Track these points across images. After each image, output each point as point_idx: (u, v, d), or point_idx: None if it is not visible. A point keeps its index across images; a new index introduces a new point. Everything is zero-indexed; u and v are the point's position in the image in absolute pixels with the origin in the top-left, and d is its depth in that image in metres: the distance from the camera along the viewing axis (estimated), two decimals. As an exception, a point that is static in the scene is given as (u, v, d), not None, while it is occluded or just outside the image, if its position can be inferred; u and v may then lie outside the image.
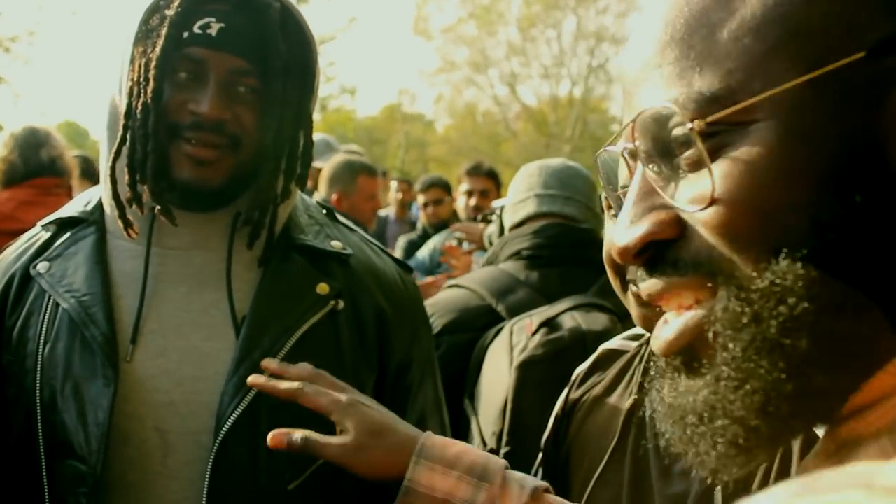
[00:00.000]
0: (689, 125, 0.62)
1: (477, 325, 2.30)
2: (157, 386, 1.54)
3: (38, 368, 1.55)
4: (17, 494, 1.58)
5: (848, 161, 0.58)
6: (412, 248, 5.90)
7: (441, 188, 6.75)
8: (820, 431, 0.66)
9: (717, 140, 0.62)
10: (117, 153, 1.53)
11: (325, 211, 1.79)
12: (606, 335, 1.97)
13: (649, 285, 0.68)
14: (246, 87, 1.54)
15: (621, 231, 0.68)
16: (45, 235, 1.68)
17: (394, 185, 8.10)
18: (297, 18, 1.57)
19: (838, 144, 0.59)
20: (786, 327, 0.59)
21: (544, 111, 34.05)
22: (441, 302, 2.38)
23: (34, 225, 1.74)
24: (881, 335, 0.59)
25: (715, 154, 0.62)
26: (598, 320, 2.09)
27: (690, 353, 0.66)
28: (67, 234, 1.66)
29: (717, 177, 0.62)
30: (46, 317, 1.58)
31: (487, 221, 4.25)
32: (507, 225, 2.59)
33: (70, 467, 1.51)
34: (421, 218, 6.76)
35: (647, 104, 0.66)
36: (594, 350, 1.73)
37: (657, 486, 1.40)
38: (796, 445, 1.26)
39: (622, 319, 2.13)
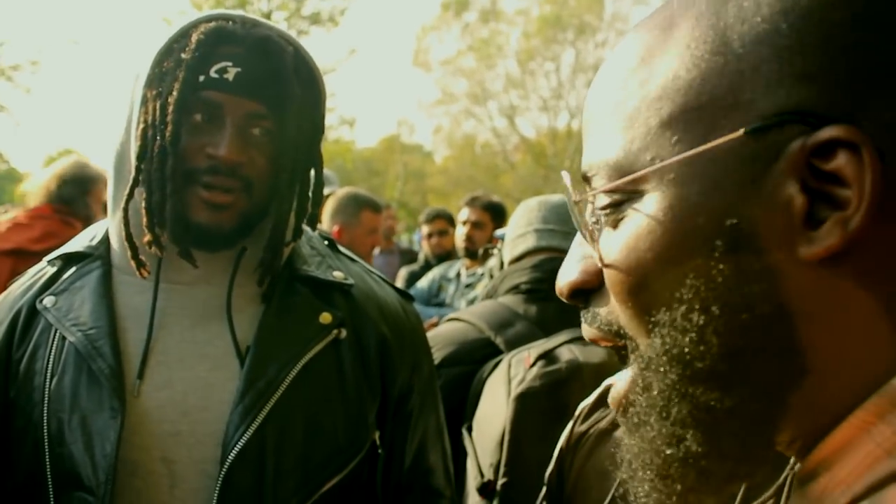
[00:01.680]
0: (586, 194, 0.68)
1: (475, 357, 2.31)
2: (164, 417, 1.55)
3: (46, 401, 1.56)
4: None
5: (717, 239, 0.61)
6: (413, 279, 5.91)
7: (445, 220, 6.76)
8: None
9: (622, 207, 0.66)
10: (129, 195, 1.54)
11: (326, 242, 1.81)
12: (603, 367, 1.99)
13: (584, 328, 0.73)
14: (260, 130, 1.55)
15: (561, 272, 0.73)
16: (52, 270, 1.69)
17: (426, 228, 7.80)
18: (309, 61, 1.60)
19: (710, 222, 0.61)
20: (665, 398, 0.63)
21: (543, 143, 34.12)
22: (440, 334, 2.39)
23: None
24: (751, 402, 0.61)
25: (620, 218, 0.66)
26: (596, 353, 2.09)
27: (626, 412, 0.70)
28: (73, 269, 1.67)
29: (614, 242, 0.66)
30: (53, 350, 1.59)
31: (489, 255, 4.27)
32: (506, 259, 2.61)
33: (78, 499, 1.51)
34: (424, 248, 6.75)
35: (584, 159, 0.70)
36: (591, 382, 1.74)
37: None
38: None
39: (619, 353, 2.13)
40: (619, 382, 0.71)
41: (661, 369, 0.63)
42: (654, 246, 0.63)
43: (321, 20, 28.45)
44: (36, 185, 3.78)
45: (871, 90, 0.58)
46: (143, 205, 1.52)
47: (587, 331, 0.72)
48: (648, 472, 0.66)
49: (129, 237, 1.56)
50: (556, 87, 34.45)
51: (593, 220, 0.70)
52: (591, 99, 0.72)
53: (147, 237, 1.53)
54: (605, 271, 0.67)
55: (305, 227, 1.76)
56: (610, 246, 0.66)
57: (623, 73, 0.68)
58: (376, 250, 7.72)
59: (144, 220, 1.52)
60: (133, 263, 1.57)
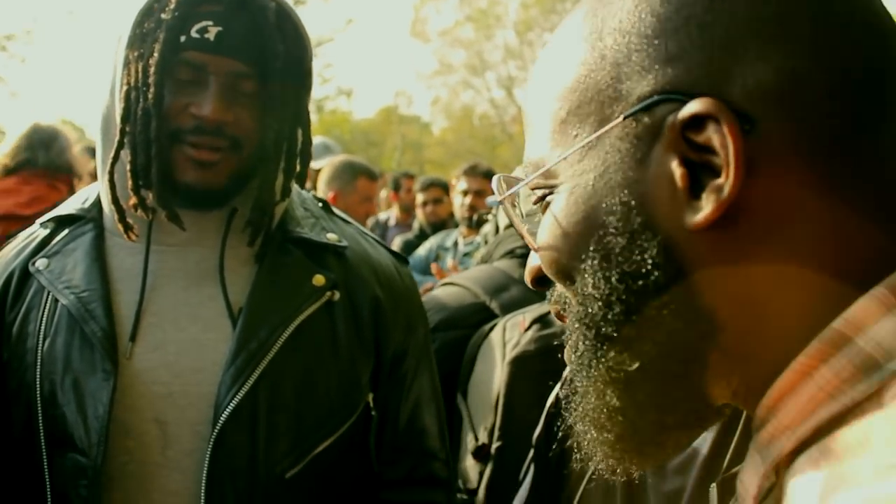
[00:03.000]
0: (508, 192, 0.76)
1: (470, 321, 2.32)
2: (156, 378, 1.55)
3: (38, 363, 1.57)
4: (19, 487, 1.59)
5: (614, 218, 0.66)
6: (409, 248, 5.91)
7: (440, 188, 6.78)
8: None
9: (545, 200, 0.73)
10: (115, 157, 1.53)
11: (320, 204, 1.80)
12: (597, 331, 1.99)
13: (550, 307, 0.81)
14: (245, 89, 1.54)
15: (529, 259, 0.82)
16: (44, 233, 1.69)
17: (391, 183, 7.80)
18: (293, 17, 1.58)
19: (609, 204, 0.66)
20: (585, 358, 0.70)
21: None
22: (435, 298, 2.39)
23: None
24: (660, 360, 0.67)
25: (545, 209, 0.73)
26: (590, 317, 2.11)
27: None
28: (66, 231, 1.67)
29: (540, 228, 0.73)
30: (46, 312, 1.59)
31: (484, 221, 4.27)
32: (501, 224, 2.60)
33: (71, 460, 1.52)
34: (419, 217, 6.78)
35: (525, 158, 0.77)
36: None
37: (652, 482, 1.41)
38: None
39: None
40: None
41: (581, 334, 0.70)
42: (564, 227, 0.69)
43: (318, -10, 28.32)
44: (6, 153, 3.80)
45: (733, 59, 0.62)
46: (128, 167, 1.52)
47: (551, 307, 0.81)
48: (586, 425, 0.72)
49: (115, 200, 1.56)
50: (554, 57, 34.40)
51: (528, 212, 0.79)
52: (525, 102, 0.78)
53: (132, 200, 1.53)
54: (538, 253, 0.74)
55: (300, 190, 1.76)
56: (538, 232, 0.73)
57: (538, 77, 0.75)
58: (392, 220, 7.75)
59: (129, 182, 1.52)
60: (120, 227, 1.56)
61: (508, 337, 2.10)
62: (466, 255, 5.04)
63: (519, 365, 2.02)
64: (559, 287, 0.76)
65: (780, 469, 0.62)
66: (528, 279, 0.81)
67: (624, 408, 0.68)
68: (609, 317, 0.67)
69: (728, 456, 1.36)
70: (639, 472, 0.75)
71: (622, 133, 0.65)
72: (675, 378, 0.67)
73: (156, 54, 1.47)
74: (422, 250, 5.47)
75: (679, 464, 1.37)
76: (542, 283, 0.79)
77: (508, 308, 2.29)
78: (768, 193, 0.61)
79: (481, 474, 2.07)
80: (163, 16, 1.48)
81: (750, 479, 0.65)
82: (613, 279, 0.66)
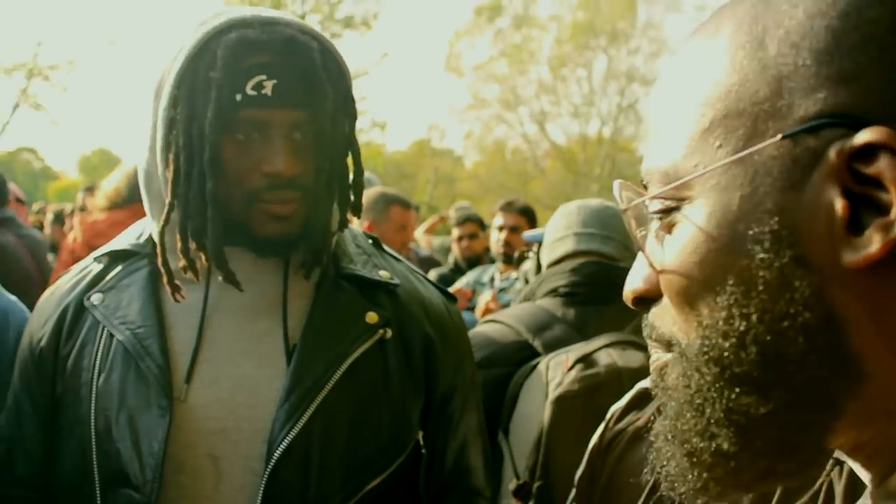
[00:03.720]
0: (630, 202, 0.69)
1: (513, 359, 2.30)
2: (211, 414, 1.55)
3: (93, 398, 1.57)
4: None
5: (761, 244, 0.60)
6: (444, 282, 5.89)
7: (476, 223, 6.76)
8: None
9: (672, 212, 0.66)
10: (166, 221, 1.53)
11: (371, 241, 1.80)
12: (642, 372, 1.98)
13: (649, 329, 0.74)
14: (303, 135, 1.54)
15: (628, 279, 0.73)
16: (98, 267, 1.70)
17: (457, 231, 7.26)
18: (335, 54, 1.57)
19: (753, 229, 0.61)
20: (703, 396, 0.64)
21: (573, 150, 34.08)
22: (478, 336, 2.39)
23: None
24: (794, 408, 0.61)
25: (673, 225, 0.66)
26: (635, 358, 2.09)
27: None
28: (120, 267, 1.68)
29: (667, 248, 0.67)
30: (101, 347, 1.60)
31: (524, 258, 4.28)
32: (544, 262, 2.60)
33: (124, 496, 1.53)
34: (454, 251, 6.76)
35: (642, 169, 0.71)
36: (630, 387, 1.74)
37: None
38: (839, 487, 1.27)
39: (658, 357, 2.13)
40: (654, 363, 0.73)
41: (700, 369, 0.64)
42: (699, 251, 0.63)
43: (354, 24, 28.53)
44: (106, 192, 3.79)
45: None
46: (178, 231, 1.51)
47: (648, 338, 0.74)
48: (678, 454, 0.67)
49: (164, 263, 1.55)
50: (587, 93, 34.46)
51: (644, 227, 0.71)
52: (649, 106, 0.72)
53: (181, 262, 1.53)
54: (660, 276, 0.67)
55: (351, 227, 1.76)
56: (663, 250, 0.67)
57: (674, 81, 0.69)
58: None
59: (179, 244, 1.52)
60: (169, 289, 1.56)
61: (551, 376, 2.09)
62: (502, 290, 5.03)
63: (562, 404, 2.01)
64: (669, 311, 0.69)
65: None
66: (627, 297, 0.74)
67: (736, 453, 0.63)
68: (741, 356, 0.61)
69: (775, 498, 1.35)
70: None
71: (777, 153, 0.60)
72: (803, 427, 0.62)
73: (209, 114, 1.45)
74: (459, 284, 5.47)
75: None
76: (640, 304, 0.73)
77: (551, 347, 2.27)
78: None
79: (522, 513, 2.06)
80: (211, 74, 1.46)
81: None
82: (753, 317, 0.60)
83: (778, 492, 1.36)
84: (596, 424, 1.70)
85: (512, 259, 5.19)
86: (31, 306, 2.19)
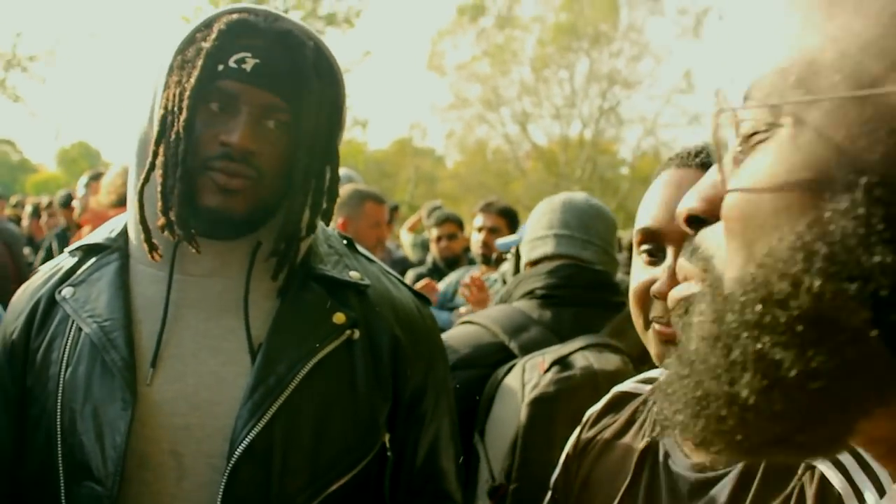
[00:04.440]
0: (721, 113, 0.63)
1: (489, 361, 2.31)
2: (174, 410, 1.56)
3: (60, 391, 1.58)
4: None
5: (852, 192, 0.54)
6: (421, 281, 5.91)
7: (455, 223, 6.78)
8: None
9: (766, 133, 0.61)
10: (146, 179, 1.55)
11: (345, 241, 1.81)
12: (618, 375, 1.98)
13: (680, 262, 0.71)
14: (276, 122, 1.56)
15: (685, 197, 0.69)
16: (71, 261, 1.71)
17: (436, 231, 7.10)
18: (329, 57, 1.60)
19: (851, 172, 0.54)
20: (731, 335, 0.60)
21: (554, 151, 34.19)
22: (454, 338, 2.38)
23: None
24: (835, 380, 0.56)
25: (758, 146, 0.61)
26: (610, 360, 2.10)
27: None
28: (92, 260, 1.69)
29: (744, 167, 0.62)
30: (69, 341, 1.61)
31: (503, 260, 4.29)
32: (524, 257, 2.60)
33: (87, 489, 1.53)
34: (433, 251, 6.77)
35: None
36: (606, 389, 1.75)
37: None
38: (810, 490, 1.27)
39: (633, 360, 2.15)
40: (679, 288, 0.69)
41: (741, 307, 0.59)
42: (780, 182, 0.58)
43: (337, 21, 28.58)
44: (107, 187, 3.77)
45: None
46: (159, 188, 1.53)
47: (683, 265, 0.70)
48: (689, 397, 0.64)
49: (142, 220, 1.57)
50: (569, 95, 34.57)
51: (735, 142, 0.64)
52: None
53: (160, 220, 1.54)
54: (727, 196, 0.62)
55: (325, 227, 1.77)
56: (741, 171, 0.62)
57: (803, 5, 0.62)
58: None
59: (159, 203, 1.53)
60: (145, 246, 1.58)
61: (528, 378, 2.09)
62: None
63: (538, 406, 2.02)
64: (718, 238, 0.65)
65: None
66: (682, 216, 0.69)
67: (753, 406, 0.58)
68: (791, 304, 0.56)
69: (754, 486, 1.35)
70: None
71: (867, 102, 0.55)
72: (838, 403, 0.57)
73: (192, 80, 1.49)
74: (441, 285, 5.47)
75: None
76: (693, 223, 0.68)
77: (527, 349, 2.28)
78: None
79: (497, 515, 2.07)
80: (203, 44, 1.51)
81: None
82: (819, 266, 0.54)
83: (752, 491, 1.36)
84: (572, 427, 1.71)
85: (490, 260, 5.21)
86: (5, 300, 2.19)
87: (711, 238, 0.66)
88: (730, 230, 0.62)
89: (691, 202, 0.68)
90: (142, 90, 1.64)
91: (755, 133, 0.61)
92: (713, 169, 0.67)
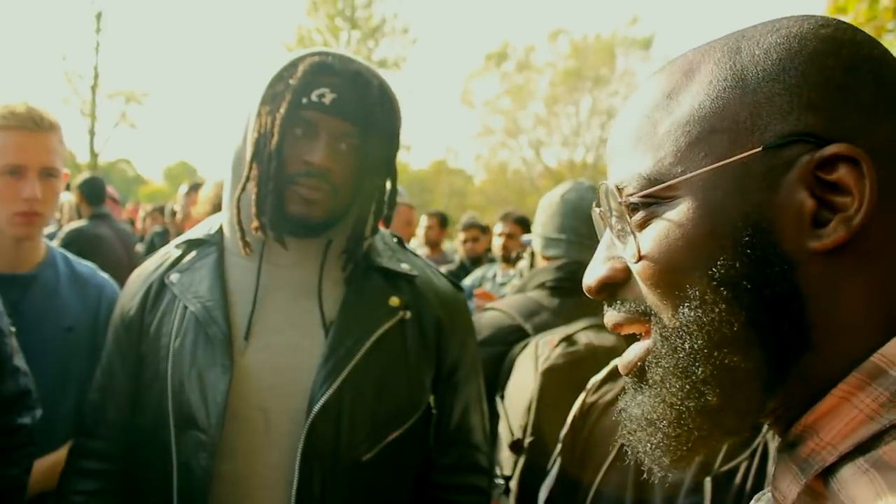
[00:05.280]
0: (621, 200, 0.67)
1: (508, 340, 2.31)
2: (263, 374, 1.57)
3: (170, 358, 1.60)
4: (152, 458, 1.62)
5: (742, 232, 0.61)
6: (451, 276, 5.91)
7: (478, 228, 6.77)
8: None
9: (651, 210, 0.65)
10: (242, 189, 1.57)
11: (396, 239, 1.82)
12: (614, 350, 1.99)
13: (609, 317, 0.71)
14: (348, 145, 1.57)
15: (588, 272, 0.71)
16: (177, 252, 1.73)
17: (424, 219, 7.20)
18: (390, 93, 1.62)
19: (736, 219, 0.61)
20: (689, 359, 0.62)
21: (563, 172, 33.88)
22: (480, 321, 2.39)
23: None
24: (764, 367, 0.61)
25: (649, 220, 0.65)
26: (608, 338, 2.10)
27: (638, 375, 0.69)
28: (194, 252, 1.71)
29: (645, 239, 0.65)
30: (177, 317, 1.63)
31: (520, 258, 4.30)
32: (537, 250, 2.58)
33: (193, 436, 1.55)
34: (460, 252, 6.78)
35: (612, 178, 0.69)
36: (605, 362, 1.75)
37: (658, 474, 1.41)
38: (773, 446, 1.27)
39: (627, 338, 2.14)
40: (629, 353, 0.69)
41: (690, 336, 0.62)
42: (687, 238, 0.63)
43: (387, 65, 28.53)
44: (204, 198, 3.79)
45: (865, 117, 0.61)
46: (253, 197, 1.56)
47: (613, 317, 0.70)
48: (663, 424, 0.65)
49: (239, 222, 1.60)
50: (575, 126, 34.35)
51: (619, 224, 0.68)
52: (616, 131, 0.71)
53: (254, 223, 1.57)
54: (640, 262, 0.65)
55: (381, 229, 1.78)
56: (644, 241, 0.65)
57: (649, 107, 0.68)
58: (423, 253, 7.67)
59: (253, 209, 1.56)
60: (240, 243, 1.60)
61: (540, 353, 2.09)
62: (502, 285, 5.05)
63: (549, 375, 2.02)
64: (633, 295, 0.68)
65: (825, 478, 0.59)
66: (591, 286, 0.71)
67: (721, 407, 0.62)
68: (730, 320, 0.61)
69: (720, 456, 1.36)
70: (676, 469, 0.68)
71: (757, 161, 0.61)
72: (765, 386, 0.62)
73: (281, 110, 1.51)
74: (468, 280, 5.47)
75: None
76: (604, 290, 0.70)
77: (540, 329, 2.28)
78: (882, 221, 0.59)
79: (515, 463, 2.07)
80: (291, 81, 1.53)
81: (788, 486, 0.62)
82: (743, 285, 0.60)
83: (721, 453, 1.36)
84: (576, 392, 1.71)
85: (510, 258, 5.22)
86: (120, 286, 2.22)
87: (632, 295, 0.68)
88: (655, 286, 0.65)
89: (601, 272, 0.70)
90: (235, 117, 1.66)
91: (645, 209, 0.65)
92: (603, 246, 0.71)
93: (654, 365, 0.66)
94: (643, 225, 0.66)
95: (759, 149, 0.61)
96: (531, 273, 2.58)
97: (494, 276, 5.34)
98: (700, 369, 0.62)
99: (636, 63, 34.95)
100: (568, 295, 2.39)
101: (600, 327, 2.18)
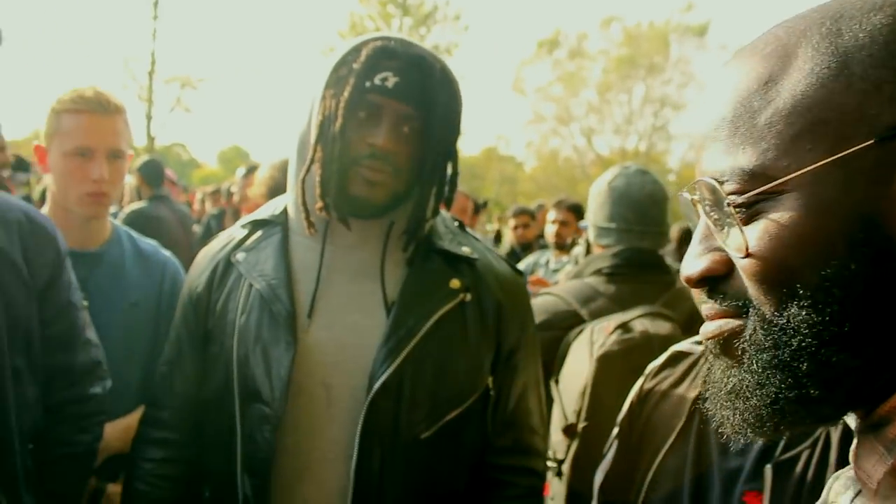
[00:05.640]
0: (727, 199, 0.64)
1: (564, 325, 2.31)
2: (326, 351, 1.60)
3: (236, 334, 1.63)
4: (218, 430, 1.66)
5: (855, 229, 0.59)
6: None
7: (528, 215, 6.77)
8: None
9: (756, 206, 0.63)
10: (307, 171, 1.59)
11: (457, 223, 1.83)
12: (669, 338, 1.98)
13: (706, 307, 0.70)
14: (410, 128, 1.58)
15: (687, 262, 0.70)
16: (243, 232, 1.76)
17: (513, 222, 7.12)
18: (452, 77, 1.62)
19: (848, 215, 0.59)
20: (794, 355, 0.61)
21: (614, 160, 33.47)
22: (537, 305, 2.39)
23: None
24: (873, 366, 0.60)
25: (754, 217, 0.63)
26: (663, 326, 2.09)
27: (724, 348, 0.68)
28: (260, 232, 1.74)
29: (752, 236, 0.63)
30: (242, 295, 1.65)
31: (575, 244, 4.30)
32: (591, 239, 2.58)
33: (258, 409, 1.58)
34: (510, 238, 6.78)
35: (707, 168, 0.67)
36: (659, 349, 1.74)
37: (716, 460, 1.40)
38: (835, 436, 1.26)
39: (682, 327, 2.13)
40: (715, 325, 0.68)
41: (797, 334, 0.61)
42: (798, 236, 0.61)
43: (439, 51, 28.33)
44: (260, 180, 3.88)
45: None
46: (318, 179, 1.58)
47: (713, 309, 0.69)
48: (756, 404, 0.64)
49: (304, 203, 1.62)
50: (627, 114, 33.98)
51: (718, 215, 0.66)
52: (708, 117, 0.69)
53: (319, 204, 1.59)
54: (748, 258, 0.64)
55: (442, 211, 1.78)
56: (751, 237, 0.63)
57: (744, 94, 0.66)
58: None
59: (318, 190, 1.58)
60: (305, 223, 1.63)
61: (595, 339, 2.09)
62: (555, 271, 5.04)
63: (604, 362, 2.02)
64: (734, 289, 0.66)
65: None
66: (692, 279, 0.69)
67: (821, 399, 0.62)
68: (842, 319, 0.59)
69: (782, 444, 1.34)
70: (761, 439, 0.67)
71: (867, 154, 0.59)
72: (869, 381, 0.61)
73: (345, 94, 1.52)
74: (522, 265, 5.48)
75: (740, 447, 1.37)
76: (703, 283, 0.69)
77: (595, 315, 2.28)
78: None
79: (568, 447, 2.07)
80: (354, 65, 1.54)
81: (874, 466, 0.62)
82: (857, 285, 0.59)
83: (783, 441, 1.35)
84: (630, 378, 1.71)
85: (564, 245, 5.21)
86: (179, 265, 2.28)
87: (734, 287, 0.67)
88: (761, 281, 0.64)
89: (700, 265, 0.69)
90: (288, 102, 1.71)
91: (750, 206, 0.64)
92: (700, 236, 0.70)
93: (751, 351, 0.65)
94: (749, 220, 0.64)
95: (871, 141, 0.59)
96: (587, 259, 2.58)
97: (547, 262, 5.33)
98: (805, 365, 0.61)
99: (691, 51, 34.56)
100: (624, 282, 2.39)
101: (656, 315, 2.17)
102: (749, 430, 0.66)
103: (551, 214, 5.67)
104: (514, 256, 6.22)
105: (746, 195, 0.64)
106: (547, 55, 35.51)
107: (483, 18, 65.15)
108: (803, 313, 0.61)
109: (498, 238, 8.62)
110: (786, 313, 0.62)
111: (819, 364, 0.60)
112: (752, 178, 0.63)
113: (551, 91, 35.37)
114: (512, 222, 6.85)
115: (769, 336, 0.63)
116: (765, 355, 0.63)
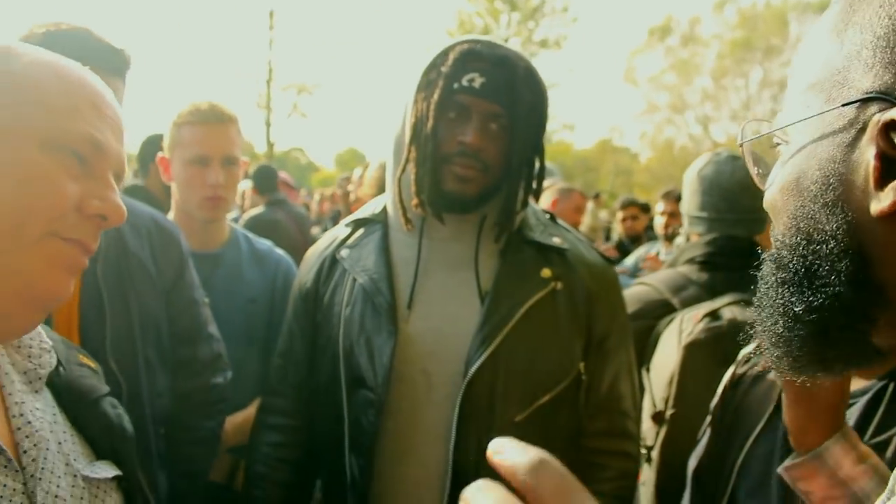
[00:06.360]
0: (746, 140, 0.74)
1: (655, 314, 2.32)
2: (424, 339, 1.68)
3: (341, 325, 1.73)
4: (326, 414, 1.77)
5: (822, 186, 0.63)
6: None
7: (637, 207, 6.66)
8: None
9: (779, 148, 0.71)
10: (403, 170, 1.69)
11: (548, 215, 1.88)
12: (758, 325, 1.96)
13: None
14: (498, 126, 1.64)
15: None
16: (347, 231, 1.88)
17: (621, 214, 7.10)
18: (536, 75, 1.68)
19: (819, 172, 0.63)
20: (770, 288, 0.69)
21: (733, 148, 32.38)
22: (629, 295, 2.40)
23: None
24: (834, 313, 0.64)
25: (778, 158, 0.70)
26: (752, 314, 2.08)
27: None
28: (362, 230, 1.85)
29: (771, 174, 0.71)
30: (347, 288, 1.76)
31: (676, 235, 4.27)
32: (686, 227, 2.57)
33: (363, 395, 1.68)
34: (619, 230, 6.71)
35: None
36: (747, 337, 1.74)
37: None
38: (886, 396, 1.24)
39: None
40: None
41: (771, 269, 0.69)
42: (783, 180, 0.68)
43: (548, 44, 28.27)
44: (369, 180, 4.02)
45: None
46: (413, 177, 1.67)
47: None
48: (768, 333, 0.71)
49: (401, 201, 1.72)
50: (745, 100, 32.96)
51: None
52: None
53: (415, 201, 1.68)
54: (768, 191, 0.72)
55: (533, 204, 1.84)
56: (769, 174, 0.72)
57: (801, 52, 0.71)
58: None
59: (413, 188, 1.67)
60: (402, 220, 1.72)
61: (684, 327, 2.08)
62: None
63: (692, 350, 2.01)
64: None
65: None
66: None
67: (788, 337, 0.67)
68: (790, 264, 0.66)
69: (871, 427, 1.32)
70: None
71: (839, 115, 0.62)
72: (840, 326, 0.64)
73: (435, 96, 1.61)
74: (631, 258, 5.43)
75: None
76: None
77: (686, 304, 2.28)
78: None
79: (657, 434, 2.09)
80: (443, 69, 1.62)
81: None
82: (802, 236, 0.64)
83: (877, 416, 1.34)
84: (718, 367, 1.70)
85: (673, 236, 5.15)
86: (296, 265, 2.42)
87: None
88: (773, 208, 0.71)
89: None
90: (395, 105, 1.77)
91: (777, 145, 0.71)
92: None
93: (761, 283, 0.73)
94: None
95: (839, 105, 0.62)
96: (682, 248, 2.57)
97: (657, 254, 5.28)
98: (772, 300, 0.69)
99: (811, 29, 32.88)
100: (717, 269, 2.37)
101: (746, 302, 2.15)
102: (767, 360, 0.73)
103: (660, 206, 5.59)
104: (622, 248, 6.17)
105: (776, 138, 0.71)
106: (658, 43, 34.81)
107: (591, 9, 64.40)
108: (774, 251, 0.69)
109: (608, 232, 8.54)
110: (785, 241, 0.68)
111: (778, 302, 0.67)
112: (776, 127, 0.71)
113: (664, 79, 34.67)
114: (620, 214, 6.77)
115: (772, 263, 0.70)
116: (769, 280, 0.70)
